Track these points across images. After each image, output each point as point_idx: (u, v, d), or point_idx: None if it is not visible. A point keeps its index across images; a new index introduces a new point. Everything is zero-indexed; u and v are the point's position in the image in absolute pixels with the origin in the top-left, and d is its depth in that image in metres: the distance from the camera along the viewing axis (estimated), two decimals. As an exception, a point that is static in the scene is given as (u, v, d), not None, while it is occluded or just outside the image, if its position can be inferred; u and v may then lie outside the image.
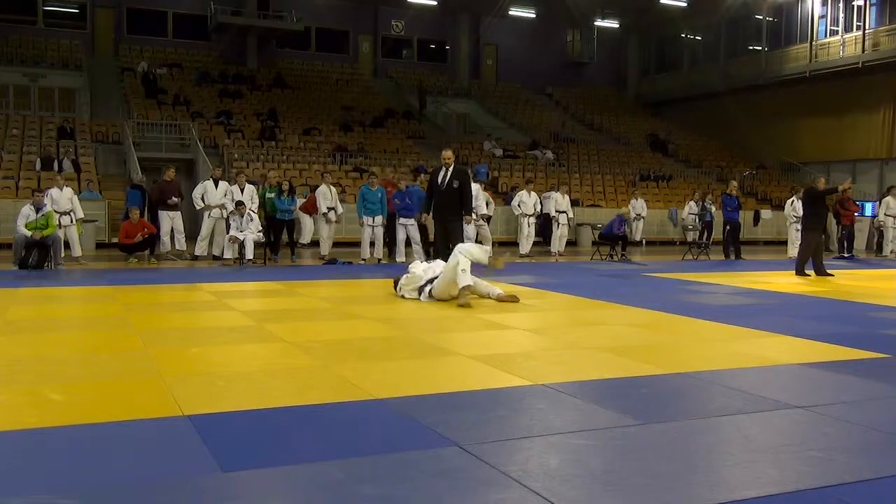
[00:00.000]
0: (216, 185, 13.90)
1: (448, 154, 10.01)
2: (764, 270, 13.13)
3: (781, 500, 2.61)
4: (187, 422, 3.42)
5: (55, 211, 12.66)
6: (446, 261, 9.10)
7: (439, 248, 9.99)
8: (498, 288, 8.22)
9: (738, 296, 9.06)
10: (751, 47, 32.47)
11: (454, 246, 9.73)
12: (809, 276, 11.67)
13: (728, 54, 33.06)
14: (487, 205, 15.66)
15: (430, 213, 10.49)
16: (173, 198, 13.92)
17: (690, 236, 17.56)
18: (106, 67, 28.39)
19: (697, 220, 18.00)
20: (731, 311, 7.55)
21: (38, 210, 11.83)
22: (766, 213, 22.74)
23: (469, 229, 13.98)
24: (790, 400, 3.96)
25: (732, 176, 23.99)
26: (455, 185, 9.80)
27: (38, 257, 11.61)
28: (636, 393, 4.10)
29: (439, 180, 9.93)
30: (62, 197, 13.12)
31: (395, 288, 8.39)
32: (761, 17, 31.17)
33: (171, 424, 3.40)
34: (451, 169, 9.88)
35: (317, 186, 16.96)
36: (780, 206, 21.57)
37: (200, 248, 13.88)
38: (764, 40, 31.47)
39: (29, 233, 11.53)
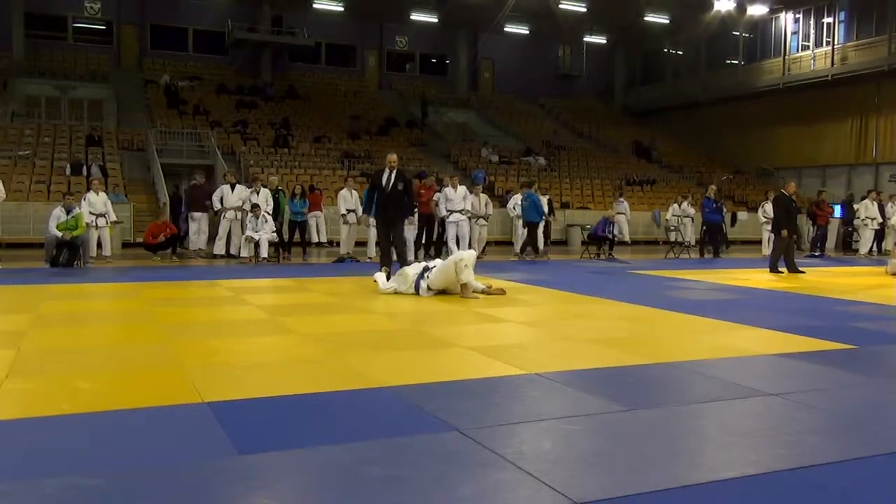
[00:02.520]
0: (232, 189, 13.91)
1: (393, 157, 9.65)
2: (740, 268, 13.12)
3: (757, 480, 2.61)
4: (207, 408, 3.42)
5: (91, 212, 12.71)
6: (388, 260, 9.13)
7: (383, 248, 9.74)
8: (482, 284, 8.18)
9: (716, 291, 9.05)
10: (729, 61, 32.47)
11: (398, 246, 9.58)
12: (782, 273, 11.66)
13: (708, 67, 33.09)
14: (486, 205, 15.67)
15: (372, 215, 10.06)
16: (207, 200, 14.04)
17: (672, 236, 17.55)
18: (131, 80, 28.39)
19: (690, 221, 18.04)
20: (710, 305, 7.55)
21: (68, 212, 11.83)
22: (742, 215, 22.71)
23: (464, 227, 14.02)
24: (765, 388, 3.97)
25: (711, 180, 23.98)
26: (400, 187, 9.47)
27: (68, 256, 11.60)
28: (623, 381, 4.10)
29: (383, 182, 9.51)
30: (98, 200, 13.20)
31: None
32: (738, 33, 31.15)
33: (191, 411, 3.40)
34: (394, 172, 9.51)
35: (312, 187, 16.98)
36: (755, 209, 21.57)
37: (218, 248, 13.90)
38: (741, 54, 31.48)
39: (60, 233, 11.53)
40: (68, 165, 19.64)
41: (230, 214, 13.75)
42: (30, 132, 22.09)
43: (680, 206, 18.87)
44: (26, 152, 20.29)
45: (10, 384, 3.83)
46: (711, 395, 3.83)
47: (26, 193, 17.73)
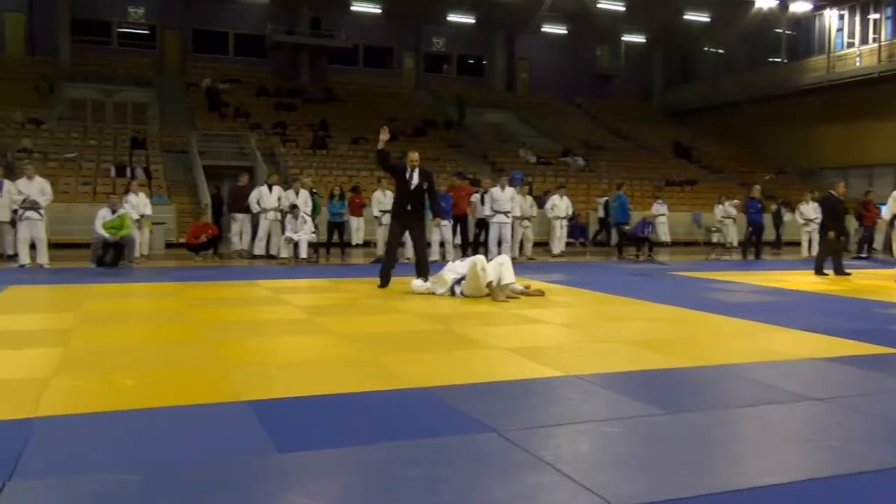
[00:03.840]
0: (270, 190, 14.06)
1: (415, 156, 9.26)
2: (783, 270, 12.88)
3: (800, 487, 2.56)
4: (246, 406, 3.45)
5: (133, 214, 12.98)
6: (392, 256, 8.97)
7: (392, 246, 9.22)
8: (521, 285, 8.13)
9: (757, 294, 8.90)
10: (770, 59, 31.92)
11: (420, 252, 9.07)
12: (827, 275, 11.42)
13: (748, 65, 32.57)
14: (531, 207, 15.61)
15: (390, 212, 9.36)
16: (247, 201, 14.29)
17: (715, 238, 17.31)
18: (174, 83, 28.89)
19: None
20: (751, 307, 7.42)
21: (113, 212, 12.08)
22: (785, 216, 22.33)
23: (507, 230, 13.92)
24: (808, 392, 3.89)
25: (753, 181, 23.58)
26: (425, 185, 9.12)
27: (113, 256, 11.86)
28: (662, 384, 4.05)
29: (406, 180, 9.05)
30: (139, 202, 13.50)
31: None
32: (780, 31, 30.61)
33: (232, 409, 3.44)
34: (416, 170, 9.08)
35: (356, 188, 17.04)
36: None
37: (258, 248, 14.06)
38: (783, 52, 30.92)
39: (107, 234, 11.78)
40: (113, 167, 20.06)
41: (271, 215, 13.90)
42: (76, 135, 22.63)
43: (723, 206, 18.60)
44: (73, 155, 20.78)
45: (59, 381, 3.92)
46: (752, 399, 3.76)
47: (73, 195, 18.15)
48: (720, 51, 34.63)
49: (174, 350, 4.91)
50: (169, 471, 2.63)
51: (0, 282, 8.93)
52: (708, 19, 31.39)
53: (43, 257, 11.66)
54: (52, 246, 12.90)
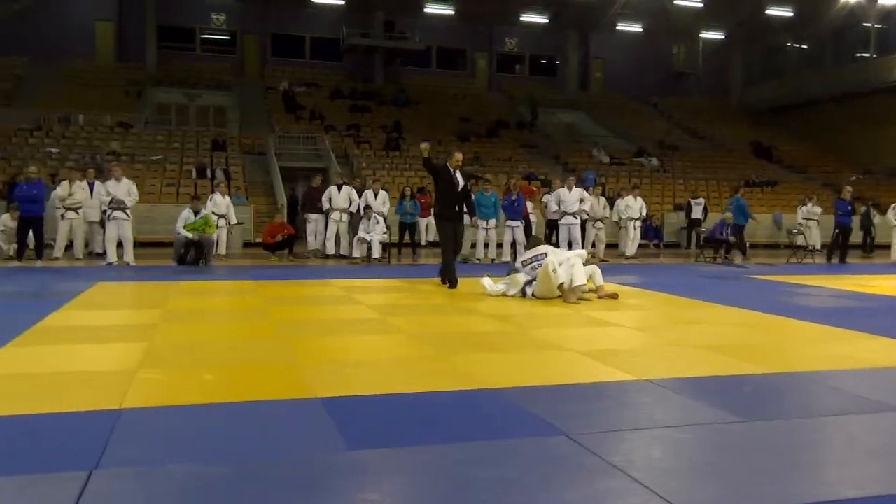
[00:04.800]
0: (339, 190, 14.22)
1: (460, 156, 9.16)
2: (870, 274, 12.33)
3: (885, 501, 2.46)
4: (319, 403, 3.52)
5: (214, 213, 13.39)
6: (451, 256, 8.93)
7: (448, 246, 9.02)
8: (590, 285, 8.00)
9: (842, 299, 8.54)
10: (857, 54, 30.60)
11: (460, 242, 9.13)
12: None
13: (833, 62, 31.29)
14: (604, 208, 15.40)
15: (437, 213, 9.29)
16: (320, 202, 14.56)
17: (798, 240, 16.72)
18: (253, 87, 29.70)
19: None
20: (835, 313, 7.13)
21: (196, 213, 12.48)
22: (875, 218, 21.37)
23: (576, 231, 13.76)
24: (895, 402, 3.72)
25: (838, 181, 22.68)
26: (468, 186, 9.15)
27: (194, 255, 12.27)
28: (738, 390, 3.94)
29: (453, 181, 8.96)
30: (222, 202, 13.91)
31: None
32: (869, 25, 29.32)
33: (305, 405, 3.52)
34: (458, 171, 8.99)
35: (421, 189, 17.12)
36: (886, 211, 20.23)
37: (329, 248, 14.28)
38: (871, 47, 29.60)
39: (189, 234, 12.19)
40: (194, 169, 20.74)
41: (335, 216, 14.07)
42: (161, 138, 23.52)
43: (806, 207, 17.94)
44: (158, 157, 21.60)
45: (143, 374, 4.09)
46: (834, 407, 3.62)
47: (157, 195, 18.86)
48: (804, 46, 33.40)
49: (252, 346, 5.05)
50: (249, 464, 2.71)
51: (89, 279, 9.36)
52: (791, 14, 30.33)
53: (129, 255, 12.16)
54: (138, 245, 13.43)
